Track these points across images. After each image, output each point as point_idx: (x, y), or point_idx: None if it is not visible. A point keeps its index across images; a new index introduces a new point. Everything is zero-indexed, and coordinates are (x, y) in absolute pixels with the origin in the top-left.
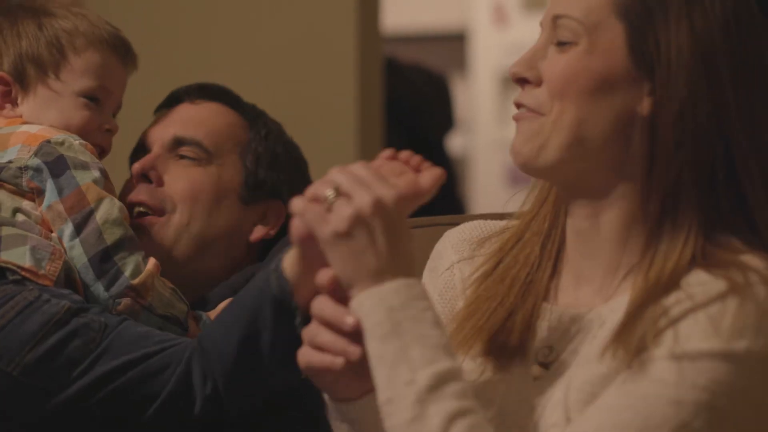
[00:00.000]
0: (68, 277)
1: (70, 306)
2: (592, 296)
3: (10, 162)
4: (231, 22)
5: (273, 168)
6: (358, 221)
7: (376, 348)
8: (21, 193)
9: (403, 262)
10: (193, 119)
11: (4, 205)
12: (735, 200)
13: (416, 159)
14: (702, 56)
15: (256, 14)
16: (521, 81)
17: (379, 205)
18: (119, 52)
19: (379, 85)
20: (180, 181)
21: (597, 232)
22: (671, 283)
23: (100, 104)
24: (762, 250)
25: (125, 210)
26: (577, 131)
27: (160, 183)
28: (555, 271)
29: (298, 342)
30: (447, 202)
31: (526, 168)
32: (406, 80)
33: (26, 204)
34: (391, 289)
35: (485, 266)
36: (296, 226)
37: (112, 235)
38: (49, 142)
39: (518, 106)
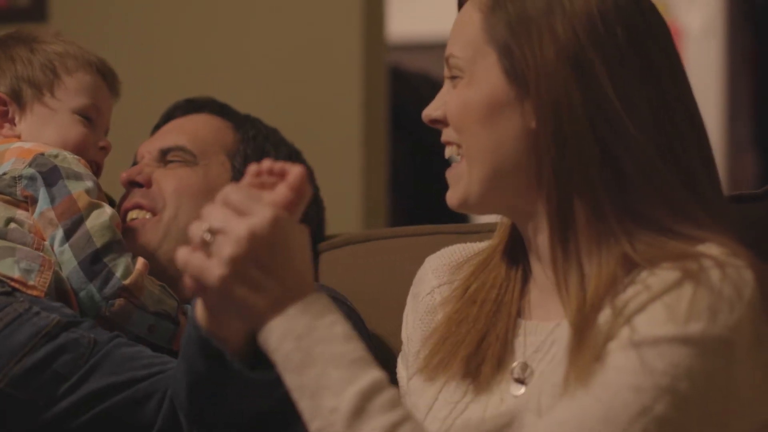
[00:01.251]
0: (59, 289)
1: (59, 320)
2: (559, 308)
3: (4, 174)
4: (235, 31)
5: None
6: (239, 260)
7: (293, 380)
8: (15, 202)
9: (298, 281)
10: (178, 130)
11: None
12: (649, 188)
13: (278, 166)
14: (569, 59)
15: (261, 22)
16: (433, 122)
17: (254, 237)
18: (107, 77)
19: (384, 93)
20: (167, 179)
21: (546, 249)
22: (599, 300)
23: (93, 123)
24: (711, 229)
25: (117, 218)
26: (487, 160)
27: (149, 185)
28: (525, 288)
29: (238, 376)
30: (450, 211)
31: (461, 209)
32: (411, 88)
33: (20, 213)
34: (293, 316)
35: (457, 290)
36: (186, 282)
37: (101, 238)
38: (43, 154)
39: (446, 143)
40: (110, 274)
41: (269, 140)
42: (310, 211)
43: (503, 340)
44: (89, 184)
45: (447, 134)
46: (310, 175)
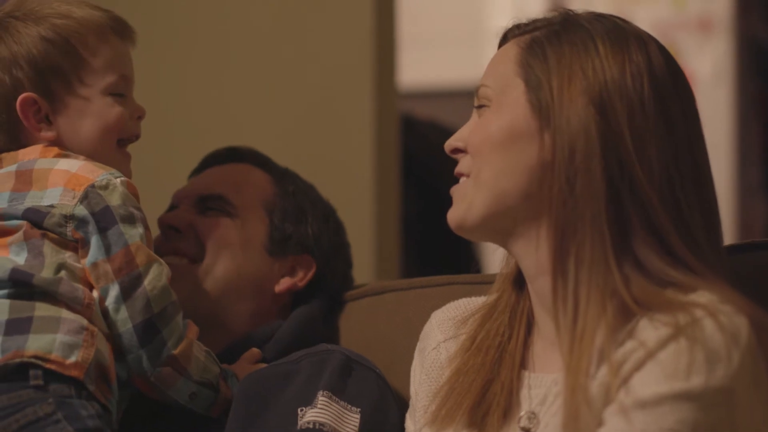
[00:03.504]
0: (99, 365)
1: None
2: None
3: (52, 206)
4: (247, 78)
5: (300, 223)
6: None
7: None
8: (64, 243)
9: None
10: (218, 178)
11: (48, 260)
12: (651, 235)
13: None
14: (593, 99)
15: (274, 70)
16: (454, 152)
17: None
18: (125, 35)
19: (396, 141)
20: (206, 228)
21: (548, 288)
22: (596, 353)
23: (125, 96)
24: (704, 277)
25: (169, 272)
26: (496, 185)
27: (189, 232)
28: (530, 340)
29: None
30: (464, 261)
31: (459, 230)
32: (422, 136)
33: (69, 257)
34: None
35: (464, 343)
36: None
37: (159, 304)
38: (93, 186)
39: (458, 175)
40: (162, 343)
41: (308, 197)
42: (338, 266)
43: (508, 390)
44: (141, 229)
45: (462, 165)
46: (342, 232)
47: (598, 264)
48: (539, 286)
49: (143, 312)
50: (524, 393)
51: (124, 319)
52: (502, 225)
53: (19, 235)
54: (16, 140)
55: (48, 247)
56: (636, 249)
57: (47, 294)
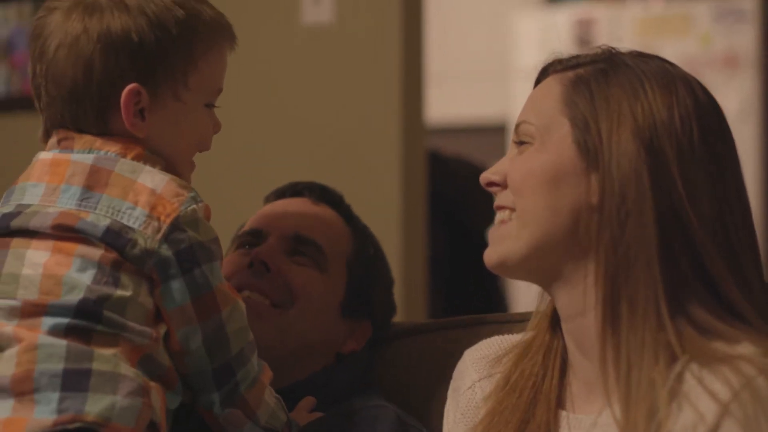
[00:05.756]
0: (152, 424)
1: None
2: (600, 397)
3: (133, 230)
4: (275, 114)
5: (373, 287)
6: None
7: None
8: (141, 273)
9: None
10: (314, 220)
11: (120, 291)
12: (702, 281)
13: None
14: (643, 142)
15: (302, 107)
16: (490, 185)
17: None
18: (233, 45)
19: (423, 177)
20: (299, 280)
21: (587, 331)
22: (647, 401)
23: (214, 107)
24: (745, 326)
25: (245, 309)
26: (540, 225)
27: (280, 274)
28: (565, 380)
29: None
30: (492, 299)
31: (499, 269)
32: (449, 172)
33: (143, 291)
34: None
35: (499, 382)
36: None
37: (237, 345)
38: (178, 218)
39: (498, 208)
40: (236, 388)
41: (383, 263)
42: (388, 329)
43: (545, 431)
44: (218, 263)
45: (501, 198)
46: (391, 285)
47: (651, 312)
48: (576, 326)
49: (223, 354)
50: None
51: (202, 362)
52: (543, 265)
53: (94, 253)
54: (103, 125)
55: (126, 277)
56: (686, 297)
57: (109, 333)
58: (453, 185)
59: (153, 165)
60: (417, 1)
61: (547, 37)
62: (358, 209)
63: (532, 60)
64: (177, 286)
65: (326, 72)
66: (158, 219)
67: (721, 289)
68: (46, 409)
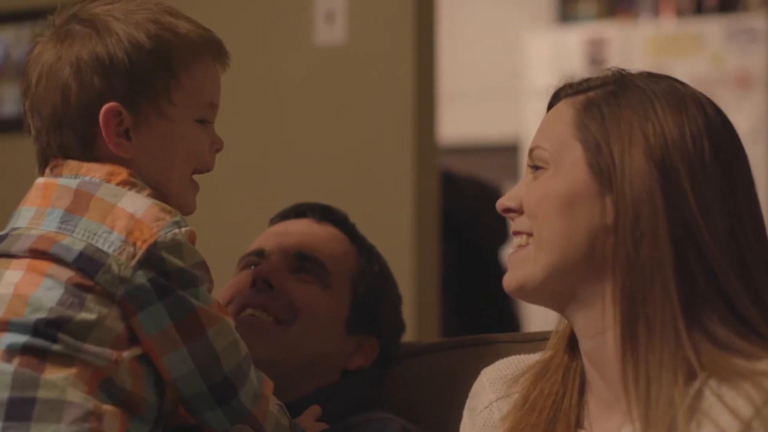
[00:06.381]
0: None
1: None
2: (623, 418)
3: (107, 255)
4: (288, 135)
5: (379, 304)
6: None
7: None
8: (111, 298)
9: None
10: (317, 239)
11: (85, 312)
12: (717, 297)
13: None
14: (656, 162)
15: (315, 127)
16: (507, 211)
17: None
18: (224, 62)
19: (436, 197)
20: (303, 293)
21: (605, 351)
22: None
23: (207, 123)
24: (763, 342)
25: (234, 324)
26: (557, 249)
27: (283, 290)
28: (583, 400)
29: None
30: (505, 319)
31: (518, 293)
32: (461, 192)
33: (112, 315)
34: None
35: (517, 402)
36: None
37: (231, 361)
38: (155, 245)
39: (515, 234)
40: (242, 406)
41: (389, 279)
42: (396, 345)
43: None
44: (204, 288)
45: (518, 224)
46: (400, 304)
47: (669, 331)
48: (594, 347)
49: (217, 374)
50: None
51: (197, 384)
52: (561, 287)
53: (63, 273)
54: (89, 150)
55: (92, 300)
56: (704, 314)
57: (64, 355)
58: (462, 204)
59: (139, 191)
60: (429, 20)
61: (559, 56)
62: (371, 228)
63: (545, 79)
64: (155, 311)
65: (339, 92)
66: (134, 244)
67: (737, 305)
68: None
